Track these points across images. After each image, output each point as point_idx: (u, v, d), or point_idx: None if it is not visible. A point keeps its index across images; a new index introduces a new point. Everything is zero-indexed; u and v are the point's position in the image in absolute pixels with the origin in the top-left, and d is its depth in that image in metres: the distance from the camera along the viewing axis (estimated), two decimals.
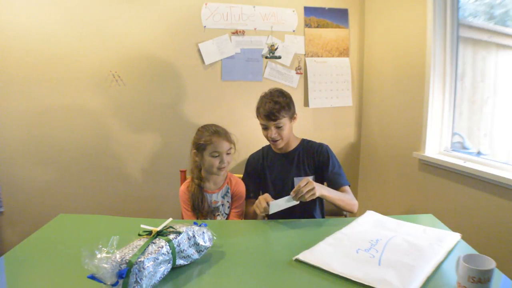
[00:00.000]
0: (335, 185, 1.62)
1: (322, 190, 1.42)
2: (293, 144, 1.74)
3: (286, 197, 1.38)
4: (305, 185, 1.35)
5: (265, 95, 1.66)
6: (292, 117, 1.67)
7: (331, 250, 1.13)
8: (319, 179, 1.71)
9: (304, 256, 1.09)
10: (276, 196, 1.68)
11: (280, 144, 1.67)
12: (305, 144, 1.75)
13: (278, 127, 1.62)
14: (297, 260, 1.08)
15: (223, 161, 1.56)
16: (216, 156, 1.56)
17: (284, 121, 1.62)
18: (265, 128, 1.65)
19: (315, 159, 1.70)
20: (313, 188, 1.35)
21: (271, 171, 1.74)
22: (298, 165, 1.71)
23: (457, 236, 1.22)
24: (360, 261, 1.05)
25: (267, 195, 1.44)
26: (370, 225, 1.33)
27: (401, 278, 0.94)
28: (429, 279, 0.97)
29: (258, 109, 1.66)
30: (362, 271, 0.99)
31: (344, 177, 1.66)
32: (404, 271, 0.97)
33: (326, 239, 1.21)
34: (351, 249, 1.13)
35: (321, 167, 1.69)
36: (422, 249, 1.10)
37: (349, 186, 1.65)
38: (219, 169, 1.57)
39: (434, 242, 1.15)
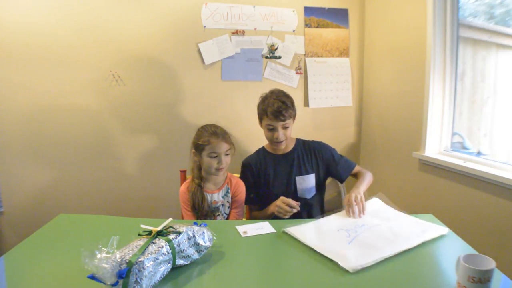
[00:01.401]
0: (348, 170, 1.72)
1: (360, 190, 1.50)
2: (291, 145, 1.75)
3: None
4: (354, 199, 1.40)
5: (269, 96, 1.65)
6: (294, 117, 1.69)
7: (313, 227, 1.26)
8: (323, 175, 1.74)
9: (290, 230, 1.23)
10: (278, 196, 1.68)
11: (284, 145, 1.68)
12: (302, 144, 1.77)
13: (285, 128, 1.63)
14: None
15: (221, 162, 1.56)
16: (214, 157, 1.56)
17: (290, 121, 1.64)
18: (271, 130, 1.64)
19: (317, 157, 1.73)
20: (358, 197, 1.42)
21: (272, 172, 1.73)
22: (299, 165, 1.72)
23: (444, 229, 1.25)
24: (335, 239, 1.16)
25: (283, 198, 1.50)
26: (366, 212, 1.39)
27: (358, 256, 1.04)
28: (429, 278, 0.98)
29: (264, 110, 1.62)
30: (330, 246, 1.11)
31: (349, 160, 1.76)
32: (366, 251, 1.07)
33: (319, 220, 1.33)
34: (334, 228, 1.25)
35: (326, 163, 1.72)
36: (398, 236, 1.17)
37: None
38: (217, 169, 1.57)
39: (416, 231, 1.21)
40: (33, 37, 2.24)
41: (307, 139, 1.81)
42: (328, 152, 1.74)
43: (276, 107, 1.58)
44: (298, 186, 1.70)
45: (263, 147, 1.80)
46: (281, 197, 1.51)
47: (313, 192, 1.72)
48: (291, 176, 1.71)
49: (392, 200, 1.62)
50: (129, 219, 1.45)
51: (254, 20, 2.56)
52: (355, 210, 1.37)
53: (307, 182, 1.70)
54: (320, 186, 1.74)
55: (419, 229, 1.24)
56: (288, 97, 1.66)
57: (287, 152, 1.74)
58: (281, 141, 1.65)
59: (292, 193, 1.70)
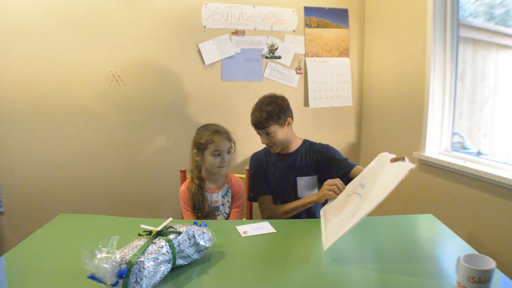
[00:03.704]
0: (348, 168, 1.65)
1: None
2: (295, 145, 1.74)
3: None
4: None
5: (257, 103, 1.68)
6: (283, 123, 1.65)
7: (335, 221, 1.20)
8: (324, 177, 1.70)
9: (329, 240, 1.10)
10: (278, 196, 1.66)
11: (275, 149, 1.68)
12: (308, 145, 1.75)
13: (268, 134, 1.63)
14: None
15: (224, 160, 1.57)
16: (217, 155, 1.56)
17: (273, 128, 1.62)
18: (259, 135, 1.68)
19: (318, 159, 1.71)
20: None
21: (273, 171, 1.73)
22: (301, 165, 1.71)
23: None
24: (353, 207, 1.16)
25: (330, 181, 1.47)
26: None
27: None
28: (429, 278, 0.98)
29: (250, 116, 1.68)
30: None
31: (351, 162, 1.70)
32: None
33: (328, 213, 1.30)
34: (344, 204, 1.26)
35: (328, 163, 1.69)
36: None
37: None
38: (220, 168, 1.58)
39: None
40: (34, 37, 2.24)
41: (316, 140, 1.79)
42: (329, 152, 1.72)
43: (254, 117, 1.64)
44: (299, 187, 1.69)
45: None
46: (328, 181, 1.47)
47: None
48: (292, 176, 1.70)
49: (392, 200, 1.63)
50: (129, 219, 1.46)
51: (254, 20, 2.56)
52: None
53: (308, 184, 1.69)
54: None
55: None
56: (274, 104, 1.63)
57: (290, 152, 1.73)
58: (270, 146, 1.67)
59: (293, 194, 1.69)
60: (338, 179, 1.46)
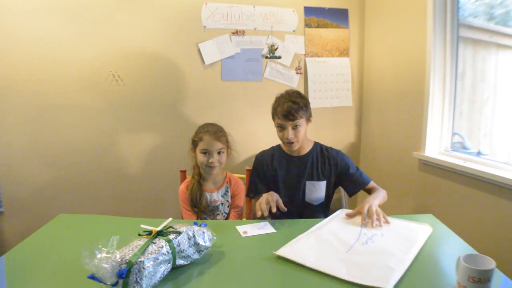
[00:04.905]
0: (361, 185, 1.65)
1: (376, 203, 1.43)
2: (307, 147, 1.70)
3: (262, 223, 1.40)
4: (369, 211, 1.37)
5: (282, 96, 1.63)
6: (308, 119, 1.64)
7: (310, 242, 1.20)
8: (334, 185, 1.71)
9: (283, 251, 1.13)
10: (285, 198, 1.65)
11: (296, 146, 1.63)
12: (320, 149, 1.72)
13: (295, 128, 1.59)
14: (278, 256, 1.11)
15: (213, 160, 1.57)
16: (205, 153, 1.58)
17: (301, 122, 1.59)
18: (282, 129, 1.61)
19: (331, 165, 1.68)
20: (376, 211, 1.38)
21: (283, 172, 1.69)
22: (312, 169, 1.67)
23: (428, 230, 1.28)
24: (331, 250, 1.14)
25: (272, 194, 1.47)
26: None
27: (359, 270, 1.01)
28: (429, 278, 0.97)
29: (275, 109, 1.62)
30: (327, 259, 1.08)
31: (364, 175, 1.68)
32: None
33: (317, 231, 1.25)
34: (332, 238, 1.22)
35: (339, 173, 1.68)
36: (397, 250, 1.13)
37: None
38: (208, 166, 1.59)
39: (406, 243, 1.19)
40: (33, 37, 2.24)
41: (316, 140, 1.76)
42: (344, 163, 1.68)
43: (286, 107, 1.56)
44: (307, 191, 1.66)
45: (278, 145, 1.76)
46: (271, 192, 1.48)
47: (321, 200, 1.67)
48: (302, 179, 1.67)
49: (392, 200, 1.63)
50: (129, 219, 1.46)
51: (254, 20, 2.56)
52: (374, 220, 1.33)
53: (317, 189, 1.66)
54: (328, 195, 1.70)
55: (410, 240, 1.21)
56: (302, 98, 1.62)
57: (302, 154, 1.69)
58: (292, 142, 1.60)
59: (300, 197, 1.67)
60: (280, 204, 1.45)
